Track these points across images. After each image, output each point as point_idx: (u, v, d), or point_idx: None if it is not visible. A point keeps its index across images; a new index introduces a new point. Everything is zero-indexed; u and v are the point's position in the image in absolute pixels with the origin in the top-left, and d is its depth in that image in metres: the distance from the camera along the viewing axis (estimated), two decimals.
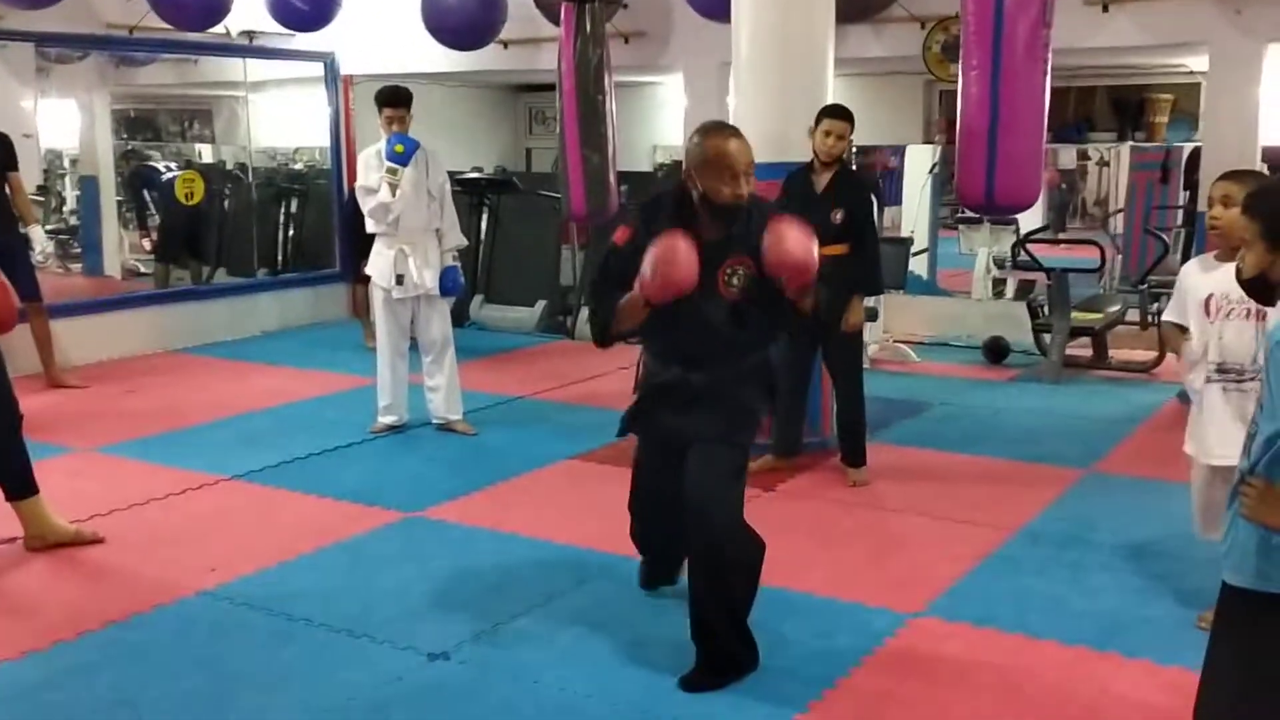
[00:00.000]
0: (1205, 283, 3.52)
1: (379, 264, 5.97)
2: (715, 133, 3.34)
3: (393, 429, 6.15)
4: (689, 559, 3.49)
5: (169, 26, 8.09)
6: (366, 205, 5.88)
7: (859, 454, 5.29)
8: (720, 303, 3.33)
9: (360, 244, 8.52)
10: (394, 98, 5.84)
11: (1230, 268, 2.57)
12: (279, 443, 5.94)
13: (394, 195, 5.76)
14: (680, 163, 8.24)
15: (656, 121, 10.71)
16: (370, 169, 5.87)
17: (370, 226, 5.99)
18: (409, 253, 5.90)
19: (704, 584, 3.37)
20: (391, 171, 5.73)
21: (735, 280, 3.33)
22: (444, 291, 6.02)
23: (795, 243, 3.18)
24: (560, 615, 3.86)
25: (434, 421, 6.18)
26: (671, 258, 3.14)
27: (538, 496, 5.20)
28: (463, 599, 4.02)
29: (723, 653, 3.37)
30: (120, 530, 4.68)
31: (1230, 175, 3.59)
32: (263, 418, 6.56)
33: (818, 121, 5.07)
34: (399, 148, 5.75)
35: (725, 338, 3.38)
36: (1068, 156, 10.72)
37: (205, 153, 11.05)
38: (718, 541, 3.34)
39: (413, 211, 5.88)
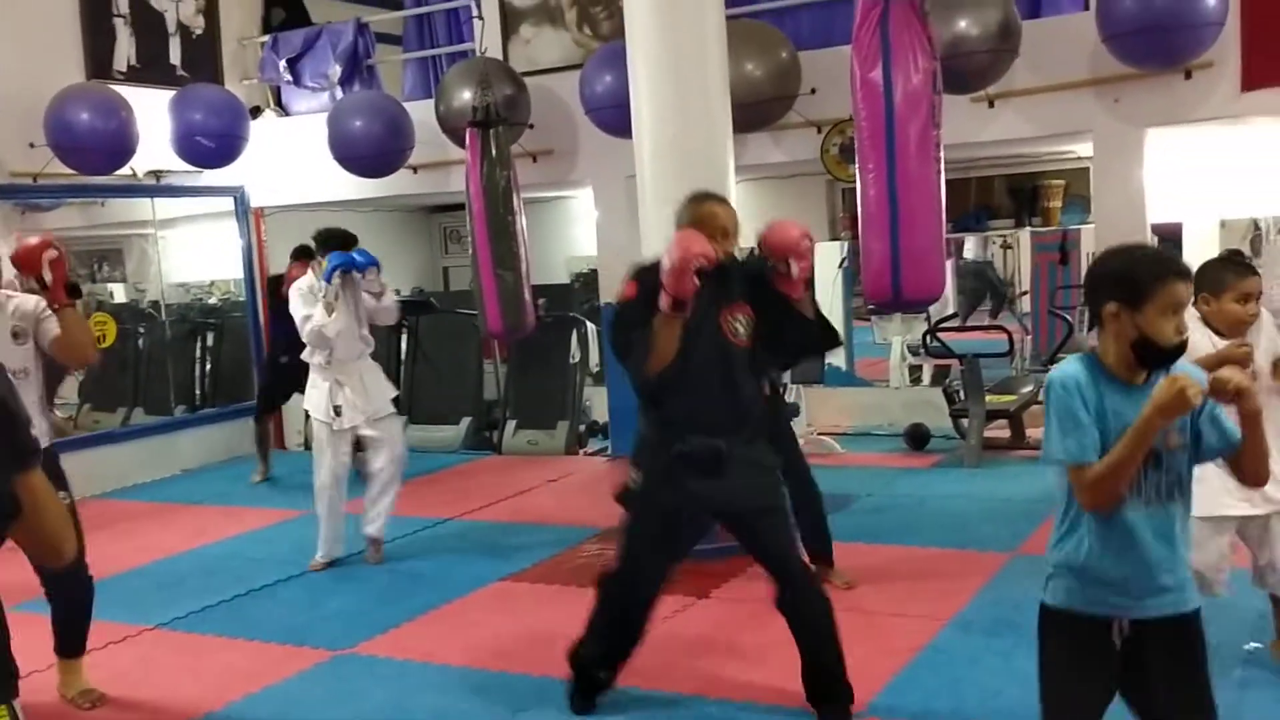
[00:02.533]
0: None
1: (314, 397, 5.89)
2: (703, 198, 3.75)
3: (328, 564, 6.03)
4: (800, 628, 3.71)
5: (74, 172, 8.07)
6: (305, 330, 5.81)
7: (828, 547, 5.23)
8: (735, 351, 3.61)
9: (274, 379, 8.53)
10: (345, 241, 5.91)
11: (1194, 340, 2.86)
12: (203, 585, 5.81)
13: (330, 316, 5.72)
14: (595, 270, 8.36)
15: (570, 234, 10.85)
16: (307, 301, 5.81)
17: (307, 355, 5.92)
18: (343, 383, 5.85)
19: (823, 636, 3.70)
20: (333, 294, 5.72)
21: (740, 327, 3.62)
22: (358, 266, 5.84)
23: (790, 224, 3.57)
24: None
25: (363, 532, 6.04)
26: (687, 236, 3.41)
27: (470, 623, 5.13)
28: None
29: (846, 688, 3.72)
30: (37, 694, 4.51)
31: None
32: (185, 560, 6.41)
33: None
34: (323, 263, 5.77)
35: (743, 392, 3.62)
36: (978, 245, 11.06)
37: (117, 292, 10.94)
38: (819, 593, 3.74)
39: (346, 341, 5.83)
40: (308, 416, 6.20)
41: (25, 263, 3.95)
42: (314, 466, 5.97)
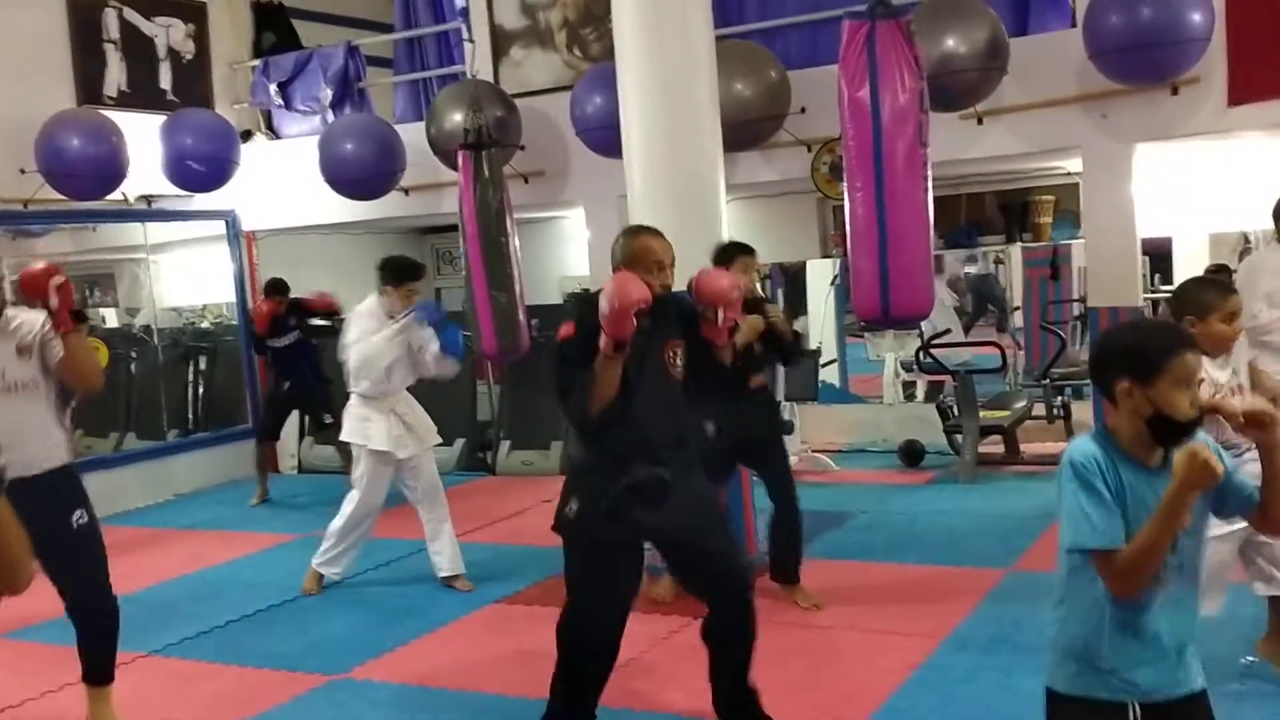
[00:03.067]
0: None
1: (367, 428, 5.78)
2: (639, 232, 3.76)
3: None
4: (726, 658, 3.74)
5: (64, 197, 8.08)
6: (366, 363, 5.73)
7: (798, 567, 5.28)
8: (674, 384, 3.66)
9: (276, 403, 8.54)
10: (415, 272, 5.89)
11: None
12: (196, 612, 5.79)
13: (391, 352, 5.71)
14: (585, 289, 8.36)
15: (562, 254, 10.86)
16: (368, 328, 5.74)
17: (352, 385, 5.86)
18: (401, 414, 5.81)
19: (742, 638, 3.72)
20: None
21: (678, 359, 3.66)
22: (447, 350, 5.80)
23: (720, 274, 3.74)
24: None
25: (439, 577, 5.97)
26: (624, 281, 3.42)
27: (465, 646, 5.11)
28: None
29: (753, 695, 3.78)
30: None
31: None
32: (178, 586, 6.39)
33: (732, 260, 5.12)
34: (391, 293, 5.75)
35: (683, 423, 3.68)
36: (970, 262, 11.14)
37: (109, 317, 10.93)
38: (749, 599, 3.74)
39: (401, 371, 5.81)
40: (339, 445, 6.13)
41: (31, 288, 3.93)
42: (358, 495, 5.85)
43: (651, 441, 3.56)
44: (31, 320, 4.00)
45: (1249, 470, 2.36)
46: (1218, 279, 3.94)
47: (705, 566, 3.72)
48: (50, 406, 4.06)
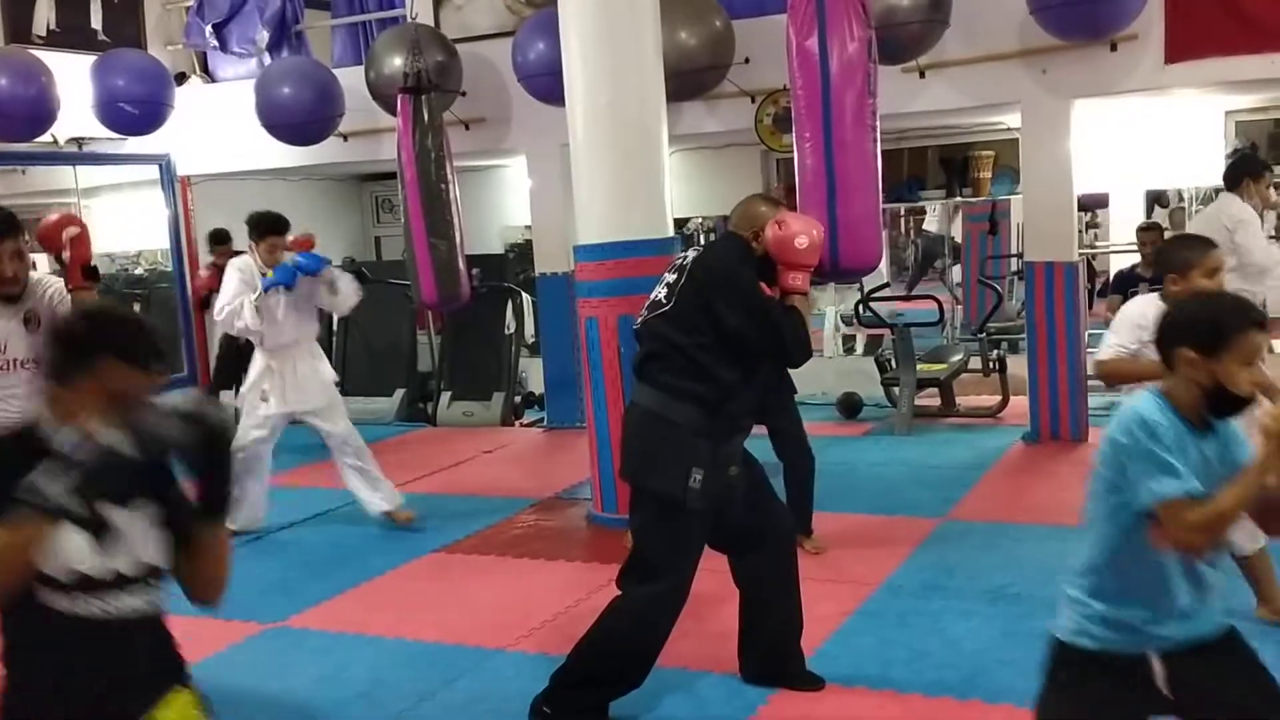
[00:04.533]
0: None
1: (253, 371, 5.85)
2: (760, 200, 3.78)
3: (244, 533, 5.91)
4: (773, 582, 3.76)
5: None
6: (222, 319, 5.75)
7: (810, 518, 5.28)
8: None
9: (229, 357, 8.40)
10: (276, 225, 5.77)
11: None
12: None
13: (257, 318, 5.64)
14: (529, 240, 8.28)
15: (504, 203, 10.76)
16: (239, 288, 5.69)
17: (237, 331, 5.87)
18: (276, 369, 5.76)
19: (789, 593, 3.77)
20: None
21: None
22: (307, 269, 5.75)
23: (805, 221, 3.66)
24: (432, 717, 3.79)
25: (380, 512, 5.94)
26: (805, 217, 3.65)
27: (403, 594, 5.11)
28: (331, 709, 3.92)
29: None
30: None
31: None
32: None
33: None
34: (269, 272, 5.66)
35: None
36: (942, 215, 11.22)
37: (40, 263, 10.68)
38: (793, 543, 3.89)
39: (282, 327, 5.75)
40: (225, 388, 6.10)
41: (46, 239, 3.78)
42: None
43: (756, 401, 3.65)
44: (57, 285, 3.78)
45: None
46: (1198, 236, 4.01)
47: (760, 516, 3.71)
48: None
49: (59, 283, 3.81)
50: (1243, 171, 5.35)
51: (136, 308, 9.93)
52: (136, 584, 2.02)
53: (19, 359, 3.67)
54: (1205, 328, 2.28)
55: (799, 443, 5.20)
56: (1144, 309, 3.65)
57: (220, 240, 8.35)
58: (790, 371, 5.30)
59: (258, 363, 5.84)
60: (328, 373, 6.03)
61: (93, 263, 3.92)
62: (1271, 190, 5.38)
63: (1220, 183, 8.73)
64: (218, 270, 7.93)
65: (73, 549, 1.92)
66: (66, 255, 3.74)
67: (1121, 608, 2.32)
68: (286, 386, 5.76)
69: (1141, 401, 2.31)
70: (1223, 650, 2.37)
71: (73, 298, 3.74)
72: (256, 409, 5.76)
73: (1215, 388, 2.25)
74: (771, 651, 3.80)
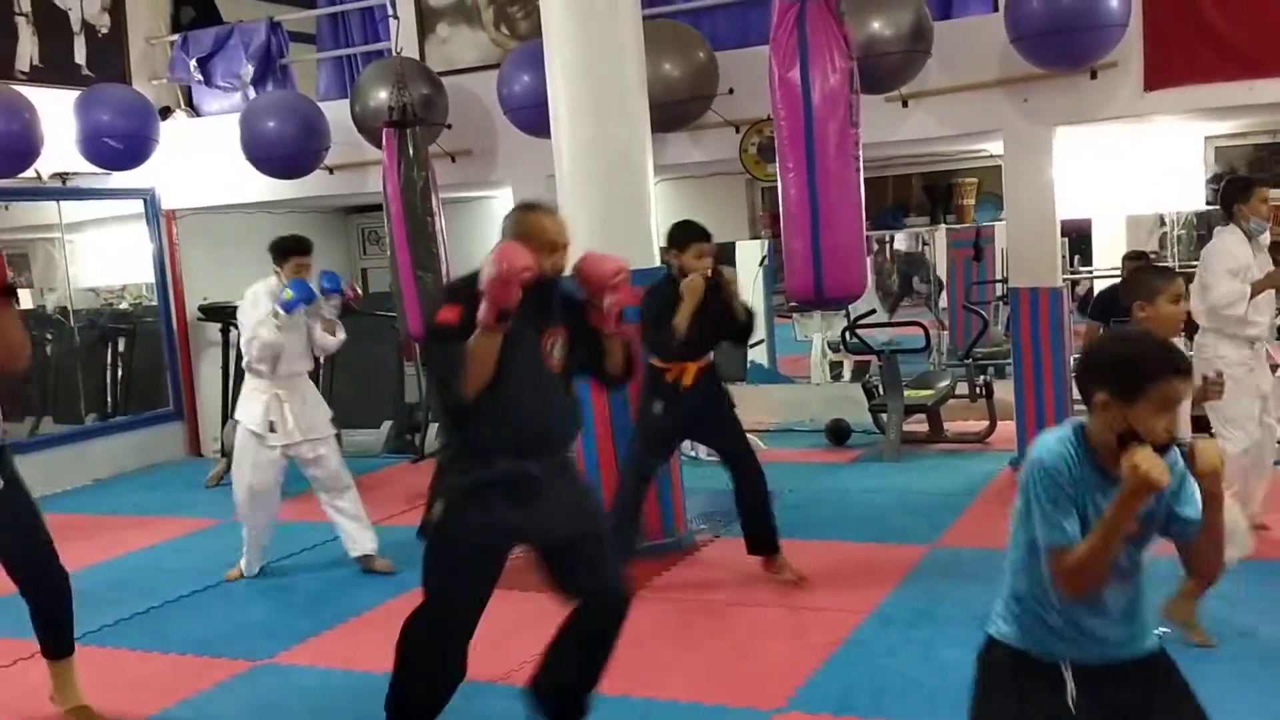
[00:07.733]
0: None
1: (250, 407, 5.72)
2: (532, 209, 3.46)
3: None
4: (587, 649, 3.51)
5: None
6: (251, 347, 5.65)
7: (775, 536, 5.22)
8: (548, 377, 3.40)
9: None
10: (300, 245, 5.73)
11: None
12: (118, 598, 5.67)
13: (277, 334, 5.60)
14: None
15: (490, 235, 10.74)
16: (259, 312, 5.63)
17: (248, 365, 5.76)
18: (284, 399, 5.71)
19: (596, 656, 3.49)
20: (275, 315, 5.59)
21: (556, 350, 3.42)
22: (325, 292, 5.77)
23: (605, 258, 3.37)
24: None
25: (354, 556, 5.90)
26: (510, 248, 3.19)
27: (392, 629, 5.01)
28: None
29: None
30: None
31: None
32: (98, 573, 6.24)
33: (684, 247, 5.05)
34: (289, 294, 5.60)
35: (557, 418, 3.44)
36: (901, 241, 11.26)
37: (23, 298, 10.65)
38: (622, 615, 3.46)
39: (291, 357, 5.71)
40: (225, 422, 6.06)
41: None
42: (233, 478, 5.82)
43: (519, 435, 3.31)
44: None
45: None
46: (1163, 266, 4.14)
47: (582, 579, 3.45)
48: None
49: None
50: (1230, 199, 5.37)
51: (122, 342, 9.91)
52: None
53: None
54: (1122, 370, 2.20)
55: (745, 463, 5.18)
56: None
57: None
58: (729, 387, 5.34)
59: (258, 397, 5.70)
60: (326, 407, 6.02)
61: (10, 279, 3.93)
62: (1264, 204, 5.36)
63: (1202, 206, 8.86)
64: None
65: None
66: None
67: (1037, 615, 2.33)
68: (297, 415, 5.71)
69: (1053, 443, 2.27)
70: (1142, 677, 2.33)
71: None
72: (263, 441, 5.66)
73: (1129, 434, 2.17)
74: (562, 689, 3.60)
